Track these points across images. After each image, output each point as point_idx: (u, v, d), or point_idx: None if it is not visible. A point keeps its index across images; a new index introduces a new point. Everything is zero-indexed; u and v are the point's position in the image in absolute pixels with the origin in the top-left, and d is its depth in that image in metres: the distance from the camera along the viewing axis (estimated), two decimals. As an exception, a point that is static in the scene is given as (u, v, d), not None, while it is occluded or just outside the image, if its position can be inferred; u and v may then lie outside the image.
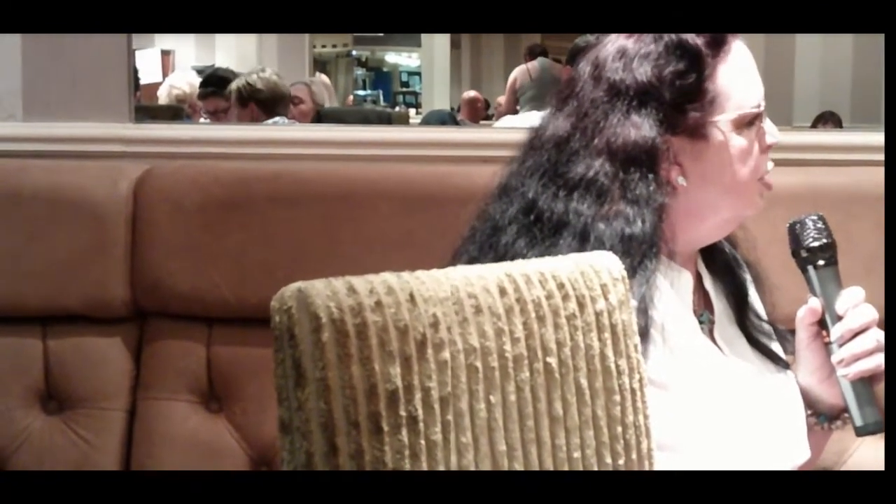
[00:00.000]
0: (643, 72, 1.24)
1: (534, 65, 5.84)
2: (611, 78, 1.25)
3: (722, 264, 1.38)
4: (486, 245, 1.26)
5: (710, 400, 1.25)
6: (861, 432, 1.26)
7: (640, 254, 1.20)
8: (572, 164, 1.24)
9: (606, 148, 1.23)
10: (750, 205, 1.30)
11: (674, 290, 1.27)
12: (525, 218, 1.24)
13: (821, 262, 1.29)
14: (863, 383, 1.26)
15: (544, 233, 1.22)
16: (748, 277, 1.40)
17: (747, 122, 1.26)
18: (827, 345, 1.28)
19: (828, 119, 4.39)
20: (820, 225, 1.30)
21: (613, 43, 1.28)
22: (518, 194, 1.27)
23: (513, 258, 1.20)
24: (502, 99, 6.37)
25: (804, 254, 1.29)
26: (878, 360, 1.26)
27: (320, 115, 4.52)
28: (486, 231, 1.27)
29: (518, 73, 5.92)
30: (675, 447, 1.19)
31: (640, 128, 1.23)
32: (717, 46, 1.26)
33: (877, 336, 1.26)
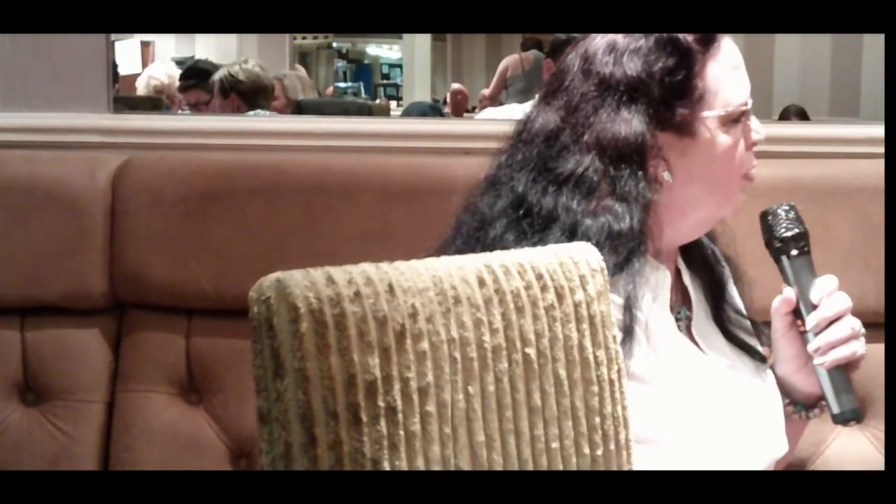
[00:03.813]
0: (633, 67, 1.24)
1: (528, 56, 5.76)
2: (601, 72, 1.25)
3: (701, 260, 1.38)
4: (474, 238, 1.26)
5: (690, 394, 1.25)
6: (838, 420, 1.27)
7: (628, 250, 1.20)
8: (562, 159, 1.24)
9: (596, 143, 1.23)
10: (731, 202, 1.30)
11: (654, 287, 1.27)
12: (514, 212, 1.24)
13: (794, 252, 1.29)
14: (839, 371, 1.27)
15: (534, 228, 1.22)
16: (727, 273, 1.40)
17: (734, 119, 1.27)
18: (802, 334, 1.29)
19: (792, 113, 4.39)
20: (792, 215, 1.30)
21: (603, 36, 1.27)
22: (507, 188, 1.26)
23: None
24: (485, 91, 6.35)
25: (777, 244, 1.30)
26: (854, 348, 1.27)
27: (301, 107, 4.50)
28: (474, 224, 1.27)
29: (510, 62, 5.84)
30: (656, 440, 1.20)
31: (630, 123, 1.23)
32: (707, 43, 1.26)
33: (851, 324, 1.27)
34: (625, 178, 1.22)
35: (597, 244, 1.18)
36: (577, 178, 1.23)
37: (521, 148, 1.28)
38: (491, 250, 1.20)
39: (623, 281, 1.20)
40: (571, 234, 1.20)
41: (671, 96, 1.24)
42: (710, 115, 1.25)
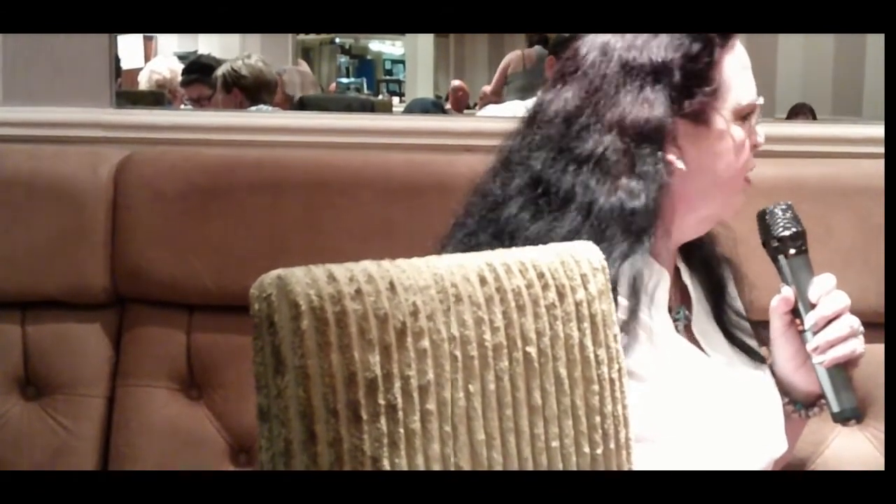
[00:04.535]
0: (656, 51, 1.25)
1: (530, 53, 5.73)
2: (623, 56, 1.25)
3: (701, 260, 1.38)
4: (486, 219, 1.26)
5: (688, 393, 1.26)
6: (838, 418, 1.27)
7: (639, 229, 1.21)
8: (582, 140, 1.24)
9: (618, 123, 1.23)
10: (734, 201, 1.31)
11: (653, 286, 1.27)
12: (531, 191, 1.25)
13: (792, 251, 1.29)
14: (838, 370, 1.27)
15: (550, 206, 1.23)
16: (728, 274, 1.40)
17: (743, 116, 1.27)
18: (801, 333, 1.29)
19: (800, 111, 4.40)
20: (789, 214, 1.30)
21: None
22: (522, 168, 1.27)
23: (514, 231, 1.21)
24: (486, 88, 6.34)
25: (775, 243, 1.30)
26: (853, 346, 1.27)
27: (303, 103, 4.50)
28: (487, 205, 1.27)
29: (513, 58, 5.83)
30: (654, 439, 1.20)
31: (653, 105, 1.23)
32: (725, 37, 1.28)
33: (850, 322, 1.27)
34: (644, 158, 1.23)
35: (609, 222, 1.19)
36: (598, 158, 1.23)
37: (538, 130, 1.28)
38: (504, 229, 1.21)
39: (631, 262, 1.20)
40: (587, 213, 1.21)
41: (692, 82, 1.25)
42: (724, 107, 1.26)
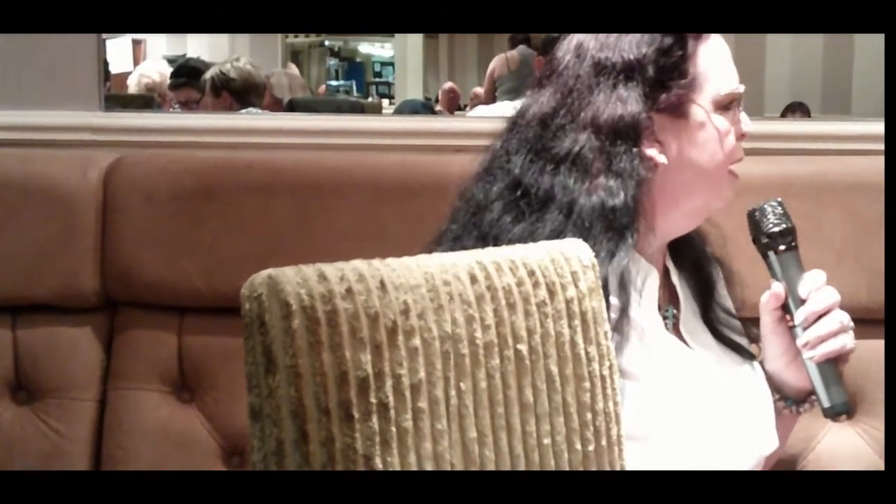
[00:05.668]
0: (628, 48, 1.25)
1: (513, 55, 5.80)
2: (595, 55, 1.26)
3: (690, 259, 1.39)
4: (470, 224, 1.27)
5: (678, 391, 1.26)
6: (829, 413, 1.28)
7: (621, 227, 1.21)
8: (558, 140, 1.25)
9: (592, 122, 1.24)
10: (720, 193, 1.31)
11: (642, 284, 1.27)
12: (511, 194, 1.25)
13: (781, 247, 1.30)
14: (829, 365, 1.27)
15: (531, 207, 1.23)
16: (717, 273, 1.41)
17: (725, 106, 1.28)
18: (791, 329, 1.30)
19: (796, 109, 4.42)
20: (779, 210, 1.31)
21: None
22: (503, 172, 1.27)
23: (497, 235, 1.21)
24: (477, 89, 6.36)
25: (765, 240, 1.31)
26: (843, 341, 1.27)
27: (293, 105, 4.50)
28: (470, 210, 1.28)
29: (497, 62, 5.89)
30: (644, 437, 1.20)
31: (626, 102, 1.24)
32: None
33: (840, 318, 1.28)
34: (619, 155, 1.23)
35: (591, 221, 1.19)
36: (574, 157, 1.24)
37: (517, 133, 1.29)
38: (487, 234, 1.22)
39: (617, 259, 1.21)
40: (568, 213, 1.22)
41: (666, 77, 1.25)
42: (702, 98, 1.26)
